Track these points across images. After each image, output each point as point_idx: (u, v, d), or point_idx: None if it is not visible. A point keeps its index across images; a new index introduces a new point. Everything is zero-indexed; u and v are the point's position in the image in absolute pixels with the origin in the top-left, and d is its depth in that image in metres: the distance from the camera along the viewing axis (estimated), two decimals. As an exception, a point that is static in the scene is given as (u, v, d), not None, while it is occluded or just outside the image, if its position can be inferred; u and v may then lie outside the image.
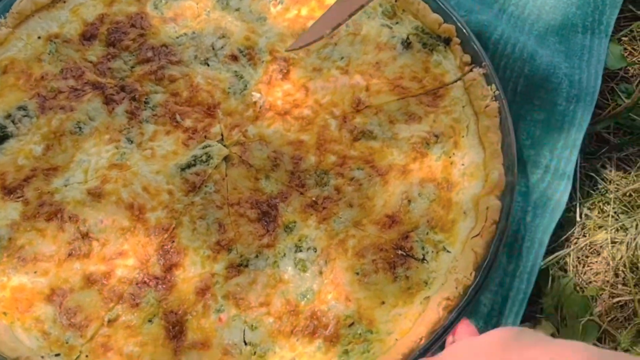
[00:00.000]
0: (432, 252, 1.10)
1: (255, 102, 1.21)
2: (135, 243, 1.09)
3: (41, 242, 1.08)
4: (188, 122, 1.19)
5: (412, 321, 1.04)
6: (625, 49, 1.40)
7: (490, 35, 1.28)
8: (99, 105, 1.18)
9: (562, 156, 1.24)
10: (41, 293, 1.04)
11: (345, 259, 1.09)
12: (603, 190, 1.26)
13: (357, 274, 1.08)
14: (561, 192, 1.20)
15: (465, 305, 1.04)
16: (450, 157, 1.17)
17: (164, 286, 1.06)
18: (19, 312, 1.03)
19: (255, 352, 1.03)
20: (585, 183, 1.26)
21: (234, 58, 1.25)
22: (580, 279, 1.16)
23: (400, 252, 1.09)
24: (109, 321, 1.03)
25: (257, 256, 1.09)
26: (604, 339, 1.13)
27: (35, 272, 1.05)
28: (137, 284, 1.06)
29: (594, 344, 1.11)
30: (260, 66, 1.24)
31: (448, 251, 1.10)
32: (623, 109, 1.30)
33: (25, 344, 1.00)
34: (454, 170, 1.16)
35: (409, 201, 1.13)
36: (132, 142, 1.17)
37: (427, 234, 1.11)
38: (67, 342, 1.01)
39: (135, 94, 1.20)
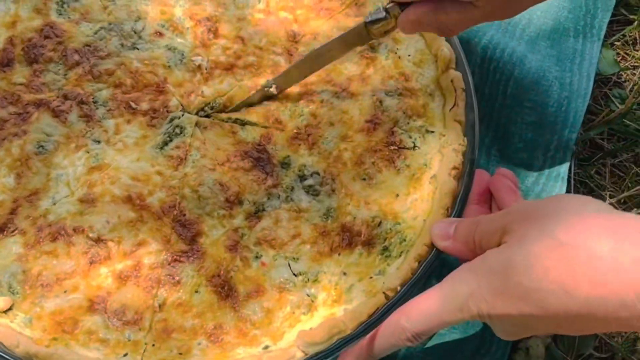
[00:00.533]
0: (419, 137, 1.20)
1: (199, 66, 1.25)
2: (149, 229, 1.11)
3: (56, 262, 1.07)
4: (144, 105, 1.21)
5: (430, 201, 1.14)
6: (618, 53, 1.43)
7: (479, 41, 1.32)
8: (50, 120, 1.18)
9: (556, 157, 1.27)
10: (81, 307, 1.04)
11: (347, 171, 1.16)
12: (597, 197, 1.27)
13: (364, 179, 1.16)
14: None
15: (470, 169, 1.14)
16: (396, 53, 1.27)
17: (194, 257, 1.09)
18: (68, 333, 1.02)
19: (308, 279, 1.08)
20: (580, 190, 1.28)
21: (159, 34, 1.28)
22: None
23: (392, 147, 1.18)
24: (160, 306, 1.05)
25: (268, 198, 1.14)
26: (600, 348, 1.17)
27: (65, 292, 1.05)
28: (169, 264, 1.08)
29: (591, 354, 1.16)
30: (187, 33, 1.28)
31: (431, 131, 1.20)
32: (617, 115, 1.33)
33: (90, 357, 1.00)
34: (404, 62, 1.26)
35: (380, 102, 1.21)
36: (99, 142, 1.18)
37: (408, 123, 1.20)
38: (129, 340, 1.03)
39: (80, 97, 1.20)
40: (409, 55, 1.26)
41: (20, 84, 1.21)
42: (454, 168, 1.13)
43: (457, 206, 1.11)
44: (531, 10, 1.40)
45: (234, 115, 1.21)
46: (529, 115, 1.30)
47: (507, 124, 1.29)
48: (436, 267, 1.07)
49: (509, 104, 1.30)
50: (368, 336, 0.99)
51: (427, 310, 0.92)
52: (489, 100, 1.30)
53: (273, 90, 1.22)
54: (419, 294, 0.95)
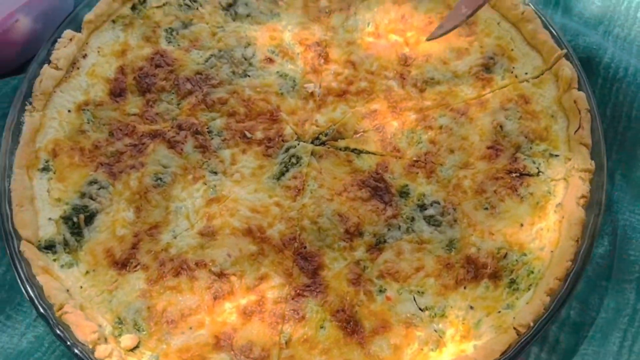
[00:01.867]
0: (543, 161, 1.18)
1: (311, 93, 1.26)
2: (271, 262, 1.12)
3: (181, 298, 1.09)
4: (259, 135, 1.23)
5: (557, 230, 1.12)
6: None
7: (600, 60, 1.29)
8: (166, 152, 1.21)
9: None
10: (207, 344, 1.06)
11: (468, 200, 1.16)
12: None
13: (486, 209, 1.15)
14: None
15: (598, 197, 1.12)
16: (512, 72, 1.26)
17: (318, 290, 1.10)
18: (196, 371, 1.05)
19: (435, 314, 1.08)
20: None
21: (270, 60, 1.29)
22: None
23: (514, 174, 1.17)
24: (286, 342, 1.06)
25: (389, 229, 1.14)
26: None
27: (190, 328, 1.07)
28: (292, 298, 1.09)
29: None
30: (297, 59, 1.30)
31: (555, 155, 1.18)
32: None
33: (221, 397, 1.02)
34: (523, 84, 1.24)
35: (501, 127, 1.20)
36: (216, 173, 1.19)
37: (531, 148, 1.19)
38: (257, 378, 1.04)
39: (194, 127, 1.22)
40: (526, 74, 1.25)
41: (134, 115, 1.24)
42: (582, 197, 1.11)
43: (587, 238, 1.09)
44: None
45: (351, 144, 1.21)
46: None
47: (632, 147, 1.26)
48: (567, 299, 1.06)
49: (634, 126, 1.26)
50: None
51: None
52: (611, 123, 1.27)
53: None
54: None
